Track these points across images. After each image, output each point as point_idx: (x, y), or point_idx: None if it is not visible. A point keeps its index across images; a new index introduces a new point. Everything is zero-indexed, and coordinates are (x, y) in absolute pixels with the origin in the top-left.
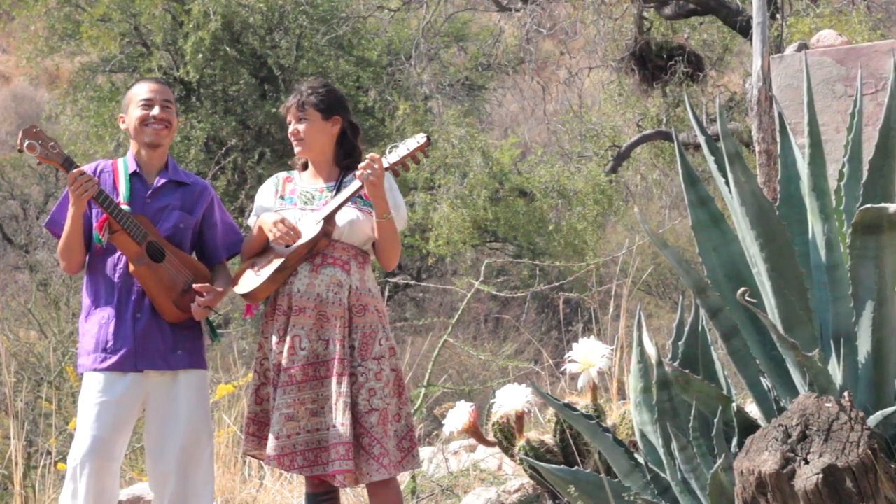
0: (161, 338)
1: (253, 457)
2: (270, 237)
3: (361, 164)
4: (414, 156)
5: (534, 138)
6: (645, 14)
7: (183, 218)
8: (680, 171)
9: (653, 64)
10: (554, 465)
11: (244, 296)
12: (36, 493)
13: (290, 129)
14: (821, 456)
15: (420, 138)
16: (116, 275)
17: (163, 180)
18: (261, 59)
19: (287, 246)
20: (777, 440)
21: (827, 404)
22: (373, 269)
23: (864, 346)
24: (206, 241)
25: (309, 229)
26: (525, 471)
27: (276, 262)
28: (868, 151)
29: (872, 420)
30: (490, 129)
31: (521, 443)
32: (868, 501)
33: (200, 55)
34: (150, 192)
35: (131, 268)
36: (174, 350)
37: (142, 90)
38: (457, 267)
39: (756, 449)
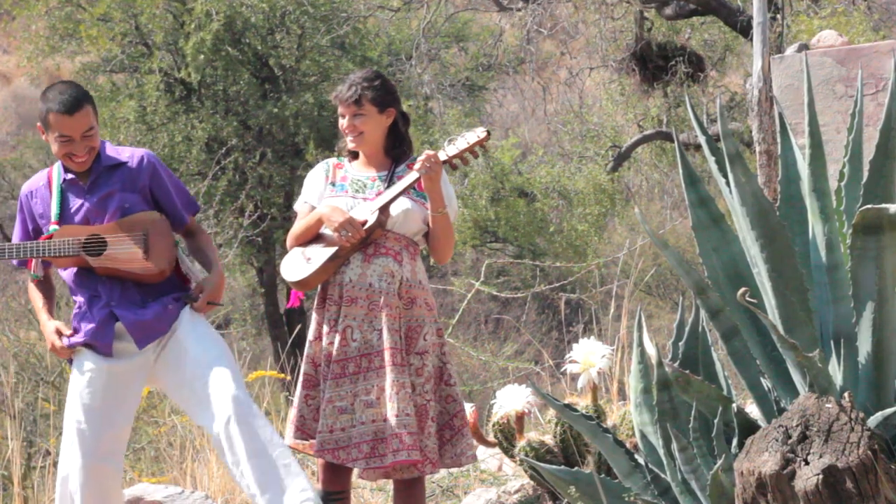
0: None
1: (296, 449)
2: (334, 234)
3: (420, 159)
4: (472, 150)
5: (534, 139)
6: (646, 14)
7: (125, 198)
8: (680, 171)
9: (653, 64)
10: (554, 466)
11: (294, 284)
12: (35, 493)
13: (346, 123)
14: (821, 457)
15: (480, 132)
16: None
17: (95, 175)
18: (262, 59)
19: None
20: (777, 441)
21: (827, 405)
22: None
23: (864, 346)
24: (164, 207)
25: (363, 218)
26: (525, 471)
27: (330, 251)
28: (868, 152)
29: (873, 421)
30: (490, 130)
31: (521, 443)
32: (868, 502)
33: (202, 55)
34: (85, 191)
35: (95, 269)
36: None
37: (58, 121)
38: (457, 267)
39: (756, 449)
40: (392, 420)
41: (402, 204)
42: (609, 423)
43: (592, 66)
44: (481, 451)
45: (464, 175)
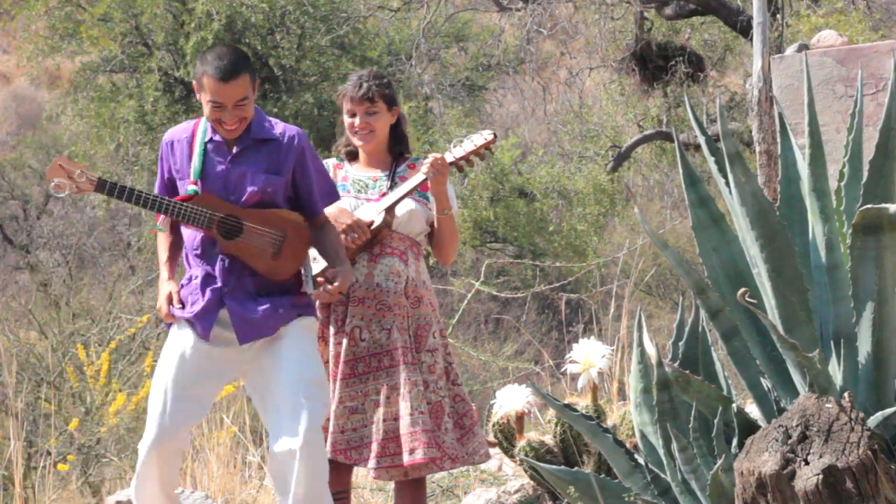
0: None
1: None
2: (340, 235)
3: (427, 161)
4: (478, 152)
5: (534, 139)
6: (646, 14)
7: (270, 181)
8: (680, 171)
9: (653, 64)
10: (554, 466)
11: None
12: (36, 493)
13: (358, 121)
14: (821, 457)
15: (487, 134)
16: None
17: (242, 145)
18: (262, 59)
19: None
20: (777, 441)
21: (827, 405)
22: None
23: (864, 346)
24: (301, 194)
25: (369, 219)
26: (525, 471)
27: None
28: (868, 152)
29: (872, 421)
30: (490, 130)
31: (521, 443)
32: (868, 502)
33: None
34: (229, 159)
35: (219, 248)
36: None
37: (211, 86)
38: (457, 267)
39: (756, 449)
40: (406, 419)
41: (407, 205)
42: (609, 423)
43: (592, 66)
44: None
45: (464, 175)
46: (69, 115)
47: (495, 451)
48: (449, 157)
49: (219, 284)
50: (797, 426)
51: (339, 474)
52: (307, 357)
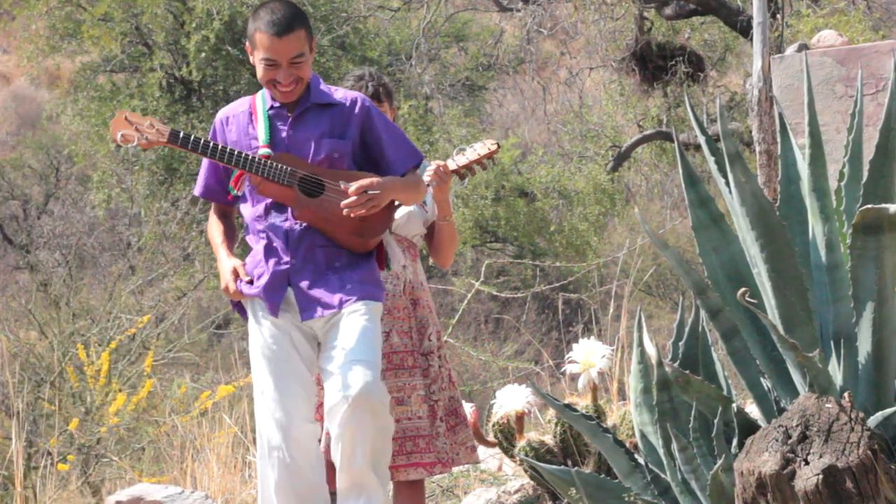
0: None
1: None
2: None
3: (430, 169)
4: (481, 161)
5: (534, 138)
6: (646, 14)
7: (335, 145)
8: (680, 171)
9: (653, 64)
10: (554, 466)
11: None
12: (36, 493)
13: None
14: (821, 457)
15: (490, 144)
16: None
17: (301, 109)
18: None
19: None
20: (777, 441)
21: (827, 405)
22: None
23: (864, 346)
24: (373, 159)
25: None
26: (525, 471)
27: None
28: (868, 152)
29: (872, 421)
30: (491, 130)
31: (521, 443)
32: (868, 502)
33: (203, 54)
34: (289, 124)
35: (295, 213)
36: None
37: (264, 41)
38: (457, 267)
39: (756, 449)
40: (403, 423)
41: (404, 206)
42: (609, 423)
43: (592, 66)
44: (481, 451)
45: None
46: (69, 114)
47: (495, 451)
48: (451, 165)
49: (286, 258)
50: (797, 426)
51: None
52: (367, 339)
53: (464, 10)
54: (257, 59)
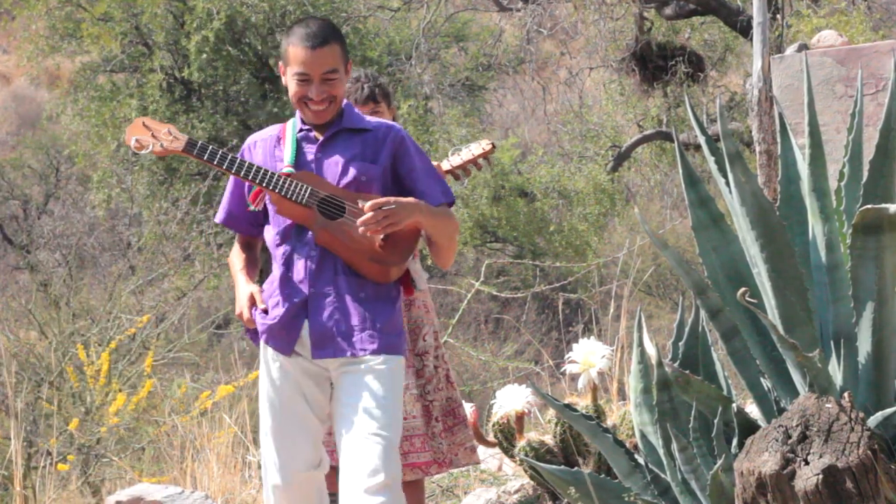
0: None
1: None
2: None
3: None
4: (476, 161)
5: (534, 138)
6: (645, 14)
7: (364, 168)
8: (680, 171)
9: (653, 64)
10: (554, 466)
11: None
12: (36, 493)
13: None
14: (821, 457)
15: (485, 144)
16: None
17: (333, 131)
18: (262, 59)
19: None
20: (777, 441)
21: (827, 405)
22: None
23: (864, 346)
24: (409, 190)
25: None
26: (525, 471)
27: None
28: (868, 152)
29: (872, 421)
30: (490, 130)
31: (521, 443)
32: (868, 502)
33: (204, 54)
34: (318, 146)
35: (315, 238)
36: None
37: (297, 55)
38: (457, 267)
39: (756, 449)
40: (405, 423)
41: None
42: (609, 423)
43: (592, 66)
44: (481, 451)
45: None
46: (69, 114)
47: (495, 451)
48: (446, 165)
49: (303, 289)
50: (797, 426)
51: (335, 476)
52: (387, 409)
53: (464, 10)
54: (289, 75)
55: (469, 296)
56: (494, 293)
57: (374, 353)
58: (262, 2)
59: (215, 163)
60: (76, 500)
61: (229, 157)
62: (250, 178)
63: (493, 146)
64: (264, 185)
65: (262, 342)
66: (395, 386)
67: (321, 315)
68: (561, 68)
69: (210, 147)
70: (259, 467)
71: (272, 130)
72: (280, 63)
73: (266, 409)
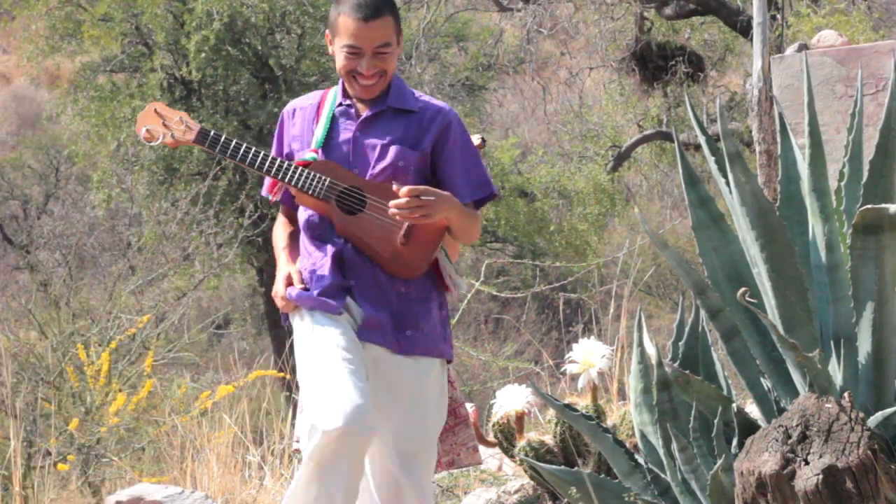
0: None
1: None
2: None
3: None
4: None
5: (534, 138)
6: (645, 14)
7: (402, 154)
8: (680, 171)
9: (653, 64)
10: (554, 466)
11: None
12: (36, 493)
13: None
14: (821, 457)
15: (475, 139)
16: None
17: (376, 110)
18: (262, 59)
19: None
20: (777, 441)
21: (827, 405)
22: None
23: (864, 346)
24: (442, 179)
25: None
26: (525, 471)
27: None
28: (868, 152)
29: (872, 421)
30: (491, 130)
31: (521, 443)
32: (868, 502)
33: (203, 54)
34: (358, 124)
35: (336, 230)
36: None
37: (348, 26)
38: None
39: (756, 449)
40: None
41: None
42: (609, 423)
43: (592, 66)
44: (481, 451)
45: None
46: (69, 114)
47: (495, 451)
48: None
49: (347, 280)
50: (797, 426)
51: None
52: (431, 423)
53: (464, 10)
54: (338, 47)
55: (469, 296)
56: (494, 293)
57: (423, 355)
58: (262, 2)
59: (228, 154)
60: (76, 500)
61: (243, 149)
62: (265, 170)
63: (484, 141)
64: (280, 177)
65: (299, 317)
66: (441, 389)
67: (369, 307)
68: (561, 68)
69: (223, 137)
70: (259, 467)
71: (312, 98)
72: (327, 31)
73: (322, 351)
